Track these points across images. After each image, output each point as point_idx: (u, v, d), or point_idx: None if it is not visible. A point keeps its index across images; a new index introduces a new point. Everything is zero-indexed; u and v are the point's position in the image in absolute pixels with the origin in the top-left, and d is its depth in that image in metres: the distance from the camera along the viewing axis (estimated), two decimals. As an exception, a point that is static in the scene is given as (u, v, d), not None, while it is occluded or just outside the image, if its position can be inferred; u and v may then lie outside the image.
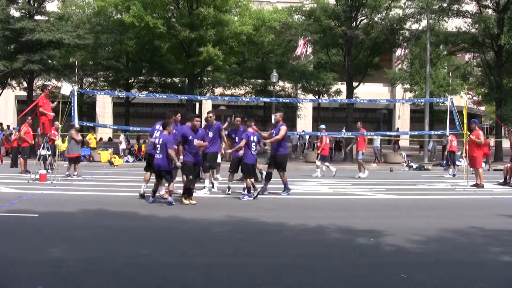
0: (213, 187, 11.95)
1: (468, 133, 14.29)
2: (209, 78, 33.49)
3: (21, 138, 16.72)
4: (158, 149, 9.52)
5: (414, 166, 22.60)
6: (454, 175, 18.49)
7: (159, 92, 32.30)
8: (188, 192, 9.70)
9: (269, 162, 12.04)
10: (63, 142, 16.00)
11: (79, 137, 15.40)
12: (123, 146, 25.37)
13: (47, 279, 4.89)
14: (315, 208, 9.77)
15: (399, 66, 37.10)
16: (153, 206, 9.27)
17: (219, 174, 14.07)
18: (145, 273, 5.15)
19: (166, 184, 9.75)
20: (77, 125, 14.65)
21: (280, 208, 9.71)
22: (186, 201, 9.62)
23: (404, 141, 40.89)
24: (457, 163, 20.95)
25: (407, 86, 37.64)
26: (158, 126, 10.24)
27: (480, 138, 13.98)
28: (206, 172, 11.64)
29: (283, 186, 11.43)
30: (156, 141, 9.59)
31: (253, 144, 10.74)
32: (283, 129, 11.34)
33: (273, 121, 11.95)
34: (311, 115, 42.20)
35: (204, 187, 11.43)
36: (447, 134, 16.24)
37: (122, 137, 25.60)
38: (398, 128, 40.25)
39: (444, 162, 19.28)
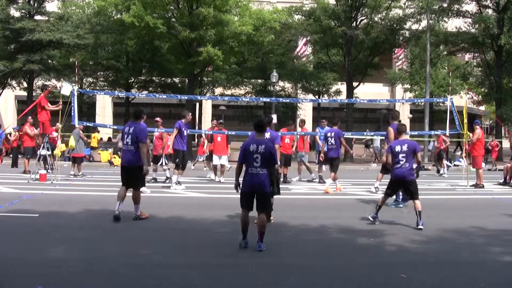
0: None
1: (469, 133, 14.30)
2: (209, 78, 33.47)
3: (24, 137, 16.66)
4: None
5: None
6: (439, 171, 18.82)
7: (159, 92, 32.25)
8: None
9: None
10: (63, 142, 15.99)
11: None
12: (121, 146, 25.38)
13: (47, 279, 4.89)
14: (316, 208, 9.76)
15: (399, 66, 37.02)
16: (152, 207, 9.23)
17: (222, 177, 14.07)
18: (145, 273, 5.15)
19: None
20: (77, 125, 14.64)
21: (281, 208, 9.67)
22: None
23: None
24: (457, 162, 20.94)
25: (407, 86, 37.62)
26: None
27: (474, 136, 13.93)
28: (175, 169, 12.18)
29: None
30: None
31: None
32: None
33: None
34: (311, 115, 42.15)
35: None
36: (447, 134, 16.25)
37: (119, 137, 25.56)
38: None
39: (446, 162, 19.39)
